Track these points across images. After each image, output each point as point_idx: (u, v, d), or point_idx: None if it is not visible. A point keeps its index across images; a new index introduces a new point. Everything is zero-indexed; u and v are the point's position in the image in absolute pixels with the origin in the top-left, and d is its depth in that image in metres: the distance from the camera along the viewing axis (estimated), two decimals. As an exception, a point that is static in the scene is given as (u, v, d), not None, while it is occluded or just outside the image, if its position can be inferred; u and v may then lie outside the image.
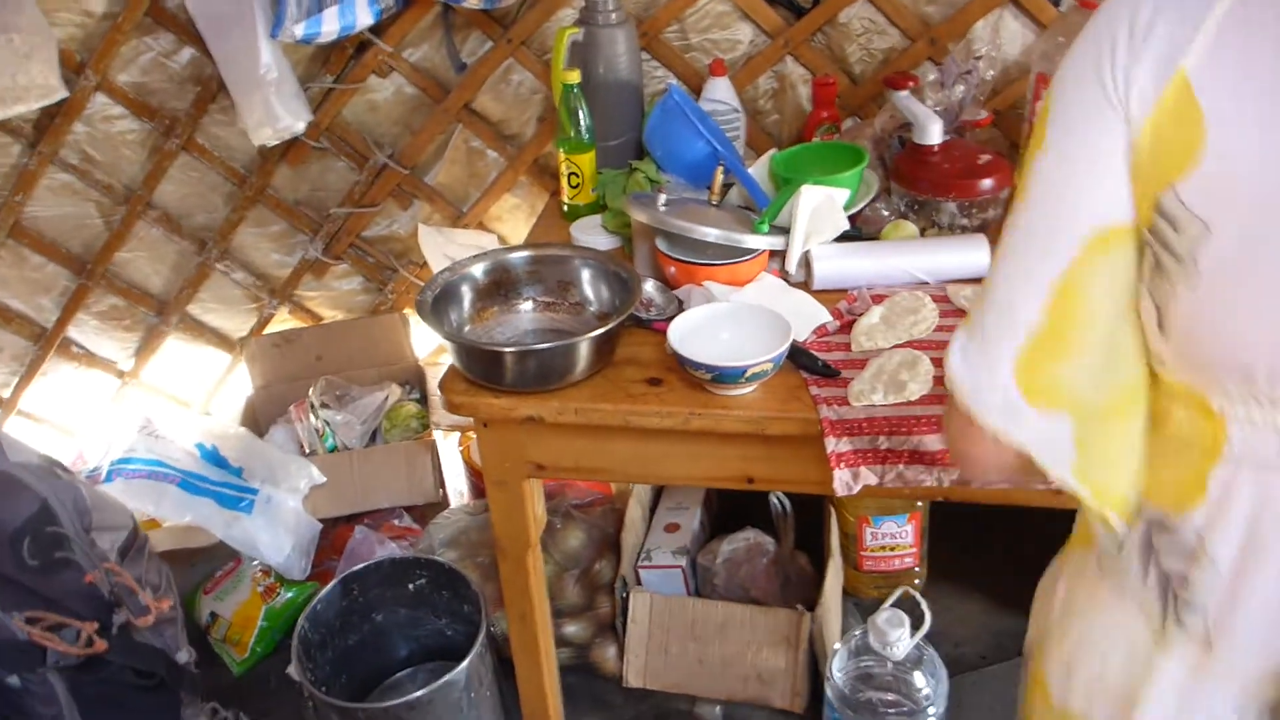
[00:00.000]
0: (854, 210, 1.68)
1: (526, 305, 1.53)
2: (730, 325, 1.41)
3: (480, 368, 1.37)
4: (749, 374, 1.31)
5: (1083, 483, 0.80)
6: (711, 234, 1.51)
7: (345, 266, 2.32)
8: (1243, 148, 0.67)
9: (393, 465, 2.12)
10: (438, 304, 1.43)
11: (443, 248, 2.11)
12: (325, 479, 2.07)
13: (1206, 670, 0.78)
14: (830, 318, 1.49)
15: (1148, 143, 0.70)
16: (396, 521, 2.12)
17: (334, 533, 2.11)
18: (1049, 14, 1.90)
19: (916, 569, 2.08)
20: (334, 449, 2.17)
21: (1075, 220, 0.74)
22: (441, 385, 1.42)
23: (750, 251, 1.53)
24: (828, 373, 1.38)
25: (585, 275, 1.51)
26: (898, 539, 2.00)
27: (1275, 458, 0.71)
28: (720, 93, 1.92)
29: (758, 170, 1.78)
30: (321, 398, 2.22)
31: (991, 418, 0.79)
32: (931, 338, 1.45)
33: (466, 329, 1.46)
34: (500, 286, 1.51)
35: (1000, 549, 2.13)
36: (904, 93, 1.72)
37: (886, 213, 1.71)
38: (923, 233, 1.68)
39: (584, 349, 1.35)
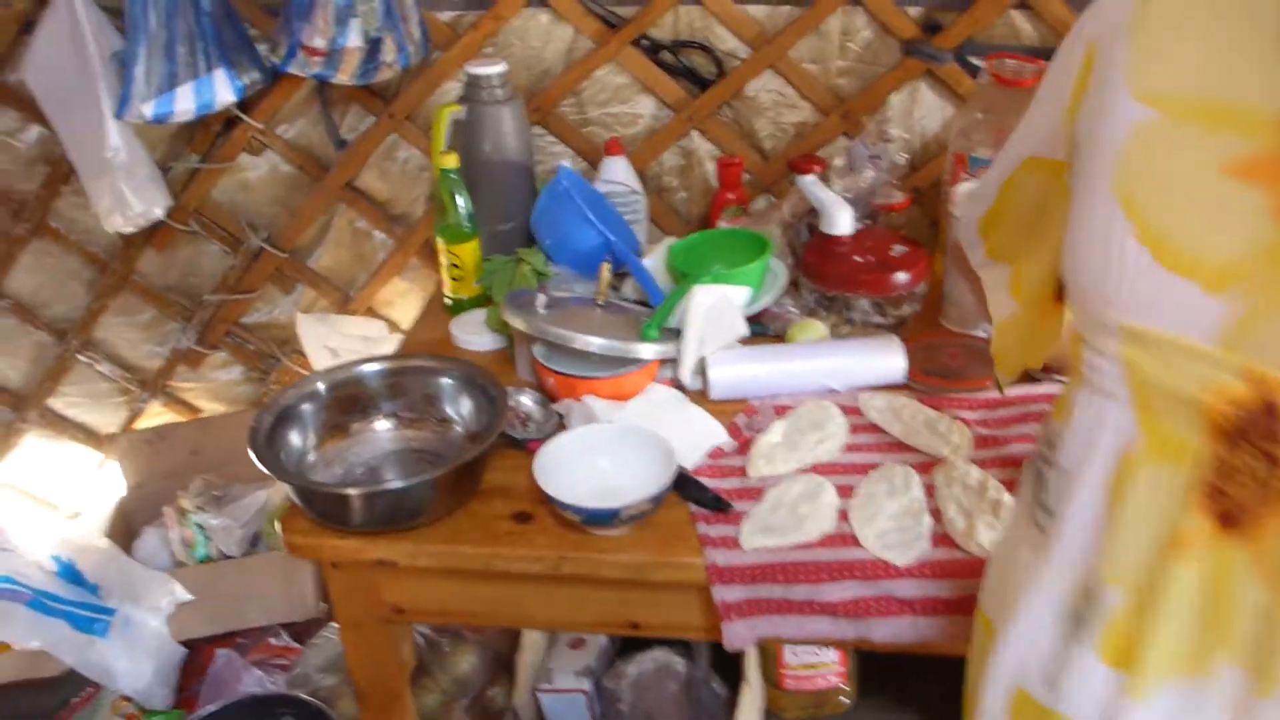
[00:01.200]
0: (759, 307, 1.53)
1: (385, 424, 1.35)
2: (609, 451, 1.25)
3: (321, 508, 1.20)
4: (625, 515, 1.15)
5: (998, 337, 1.03)
6: (593, 343, 1.35)
7: (223, 356, 2.13)
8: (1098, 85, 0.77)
9: (269, 577, 1.92)
10: (278, 430, 1.25)
11: (324, 339, 1.94)
12: (192, 596, 1.87)
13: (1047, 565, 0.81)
14: (727, 436, 1.33)
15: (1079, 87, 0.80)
16: (274, 640, 1.92)
17: (205, 653, 1.91)
18: (966, 86, 1.78)
19: (844, 686, 1.91)
20: (206, 558, 1.97)
21: (1022, 146, 0.92)
22: (282, 523, 1.24)
23: (638, 361, 1.37)
24: (719, 506, 1.22)
25: (449, 389, 1.35)
26: (821, 656, 1.83)
27: (1107, 383, 0.75)
28: (617, 173, 1.77)
29: (656, 259, 1.63)
30: (196, 499, 2.03)
31: (971, 256, 1.06)
32: (838, 459, 1.30)
33: (311, 457, 1.29)
34: (355, 402, 1.34)
35: (936, 661, 1.97)
36: (810, 177, 1.58)
37: (795, 309, 1.56)
38: (834, 331, 1.53)
39: (439, 486, 1.18)
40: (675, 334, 1.42)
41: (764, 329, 1.55)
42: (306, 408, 1.29)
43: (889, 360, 1.42)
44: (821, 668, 1.85)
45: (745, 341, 1.47)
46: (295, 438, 1.27)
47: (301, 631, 1.96)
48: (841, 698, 1.93)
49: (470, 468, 1.21)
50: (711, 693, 1.79)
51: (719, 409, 1.39)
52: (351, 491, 1.17)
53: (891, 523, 1.18)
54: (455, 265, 1.64)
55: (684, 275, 1.52)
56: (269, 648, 1.91)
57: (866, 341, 1.46)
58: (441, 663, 1.75)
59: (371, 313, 2.09)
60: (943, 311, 1.59)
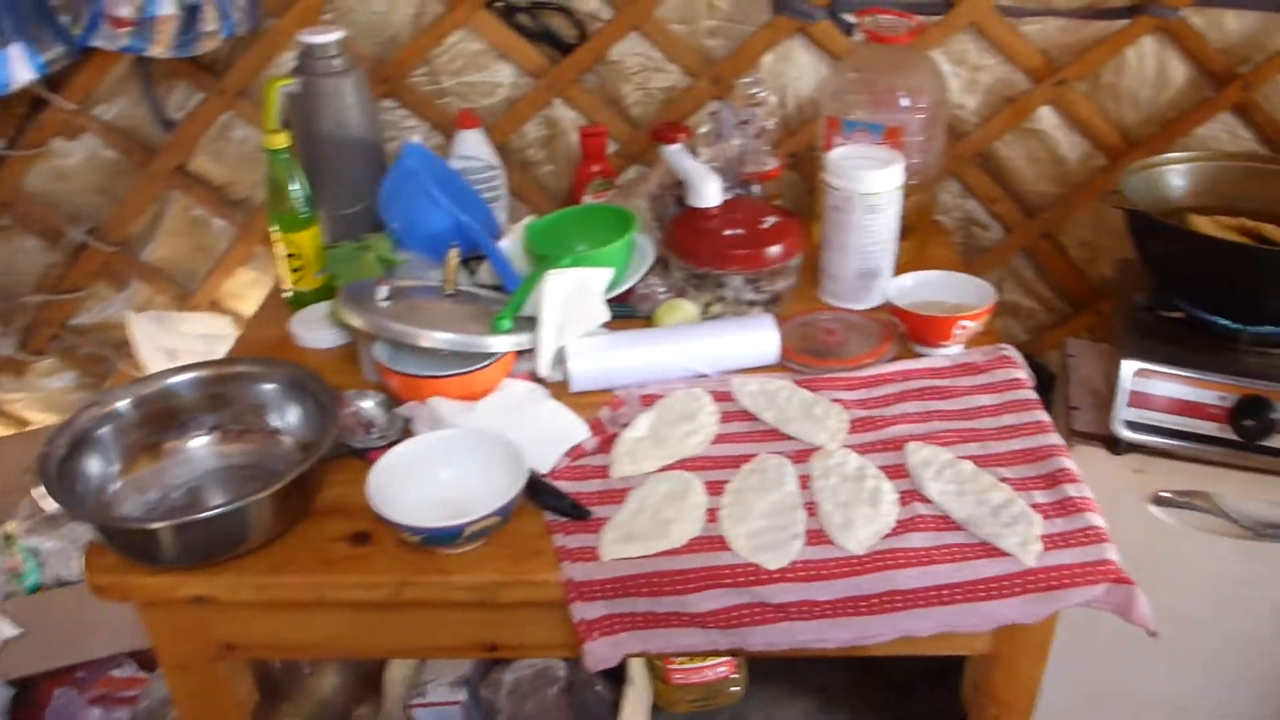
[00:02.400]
0: (623, 288, 1.42)
1: (204, 439, 1.21)
2: (453, 460, 1.13)
3: (124, 545, 1.06)
4: (469, 532, 1.03)
5: None
6: (438, 339, 1.23)
7: (52, 362, 1.94)
8: None
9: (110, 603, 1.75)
10: (74, 457, 1.10)
11: (159, 339, 1.77)
12: (20, 630, 1.70)
13: None
14: (589, 433, 1.22)
15: None
16: (118, 672, 1.76)
17: (41, 692, 1.74)
18: (841, 44, 1.69)
19: (733, 676, 1.84)
20: (38, 587, 1.79)
21: None
22: (85, 561, 1.10)
23: (489, 356, 1.25)
24: (576, 513, 1.11)
25: (274, 396, 1.21)
26: (709, 649, 1.75)
27: None
28: (471, 147, 1.64)
29: (514, 240, 1.50)
30: (26, 522, 1.84)
31: None
32: (708, 452, 1.20)
33: (116, 485, 1.13)
34: (168, 418, 1.19)
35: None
36: (675, 146, 1.47)
37: (664, 289, 1.45)
38: (705, 311, 1.43)
39: (261, 510, 1.05)
40: (532, 323, 1.30)
41: (631, 311, 1.44)
42: (106, 431, 1.13)
43: (762, 340, 1.33)
44: (709, 657, 1.77)
45: (611, 325, 1.37)
46: (95, 465, 1.12)
47: (150, 659, 1.80)
48: (733, 687, 1.86)
49: (298, 485, 1.07)
50: (596, 696, 1.69)
51: (582, 402, 1.28)
52: (155, 526, 1.03)
53: (764, 521, 1.09)
54: (293, 255, 1.49)
55: (542, 257, 1.40)
56: (113, 681, 1.75)
57: (738, 321, 1.37)
58: (301, 686, 1.62)
59: (216, 308, 1.92)
60: (820, 284, 1.50)
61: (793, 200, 1.78)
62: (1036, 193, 1.78)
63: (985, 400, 1.27)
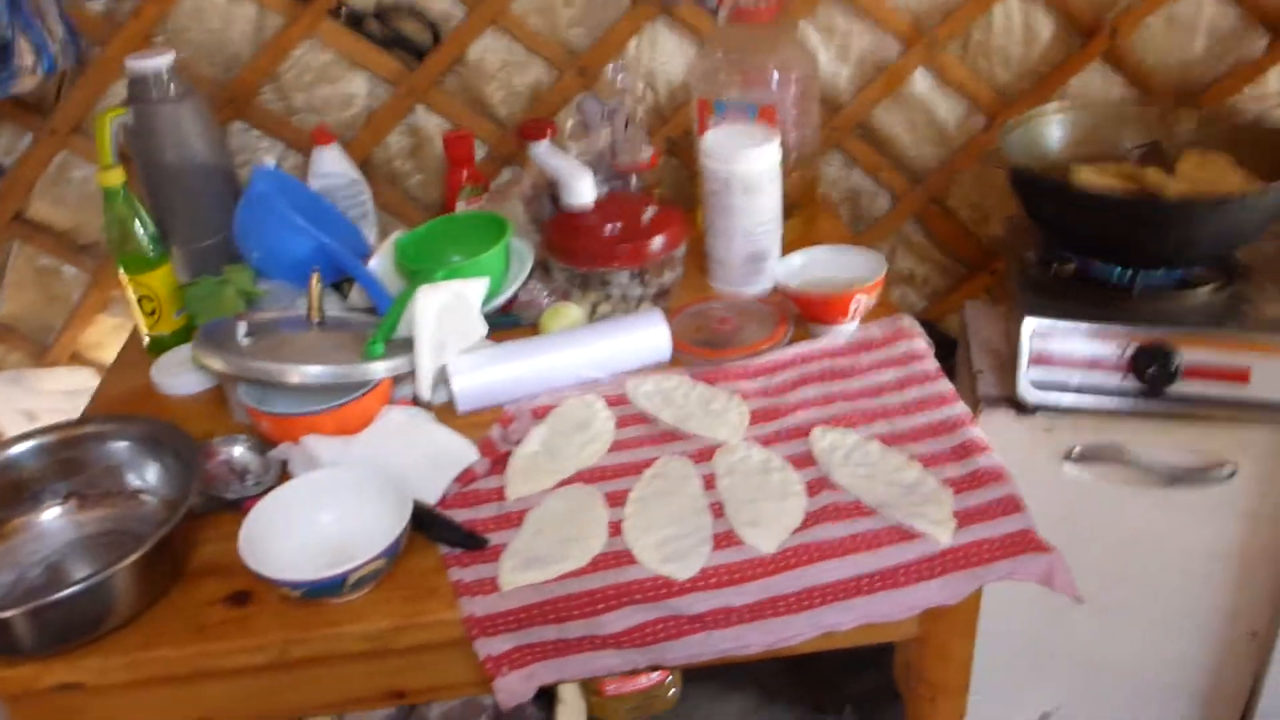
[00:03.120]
0: (504, 298, 1.36)
1: (58, 509, 1.10)
2: (332, 501, 1.05)
3: (-32, 636, 0.95)
4: (354, 580, 0.95)
5: None
6: (306, 373, 1.14)
7: (-99, 438, 1.79)
8: None
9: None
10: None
11: (17, 401, 1.64)
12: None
13: None
14: (479, 455, 1.15)
15: None
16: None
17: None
18: (706, 25, 1.64)
19: (668, 680, 1.78)
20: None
21: None
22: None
23: (363, 385, 1.17)
24: (472, 544, 1.04)
25: (131, 455, 1.11)
26: (638, 658, 1.69)
27: None
28: (329, 164, 1.55)
29: (384, 258, 1.42)
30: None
31: None
32: (607, 462, 1.14)
33: (-43, 571, 1.03)
34: (14, 491, 1.09)
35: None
36: (542, 144, 1.41)
37: (547, 294, 1.39)
38: (594, 312, 1.37)
39: (123, 581, 0.95)
40: (408, 345, 1.22)
41: (516, 320, 1.37)
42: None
43: (653, 337, 1.27)
44: (642, 670, 1.71)
45: (496, 337, 1.30)
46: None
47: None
48: (669, 691, 1.81)
49: (164, 548, 0.98)
50: (527, 717, 1.62)
51: (470, 422, 1.20)
52: (6, 615, 0.92)
53: (670, 529, 1.03)
54: (146, 298, 1.39)
55: (414, 273, 1.32)
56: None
57: (626, 320, 1.30)
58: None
59: (78, 360, 1.79)
60: (708, 271, 1.45)
61: (675, 188, 1.73)
62: (919, 158, 1.76)
63: (888, 375, 1.23)
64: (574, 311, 1.33)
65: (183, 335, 1.41)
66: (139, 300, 1.39)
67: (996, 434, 1.30)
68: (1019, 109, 1.64)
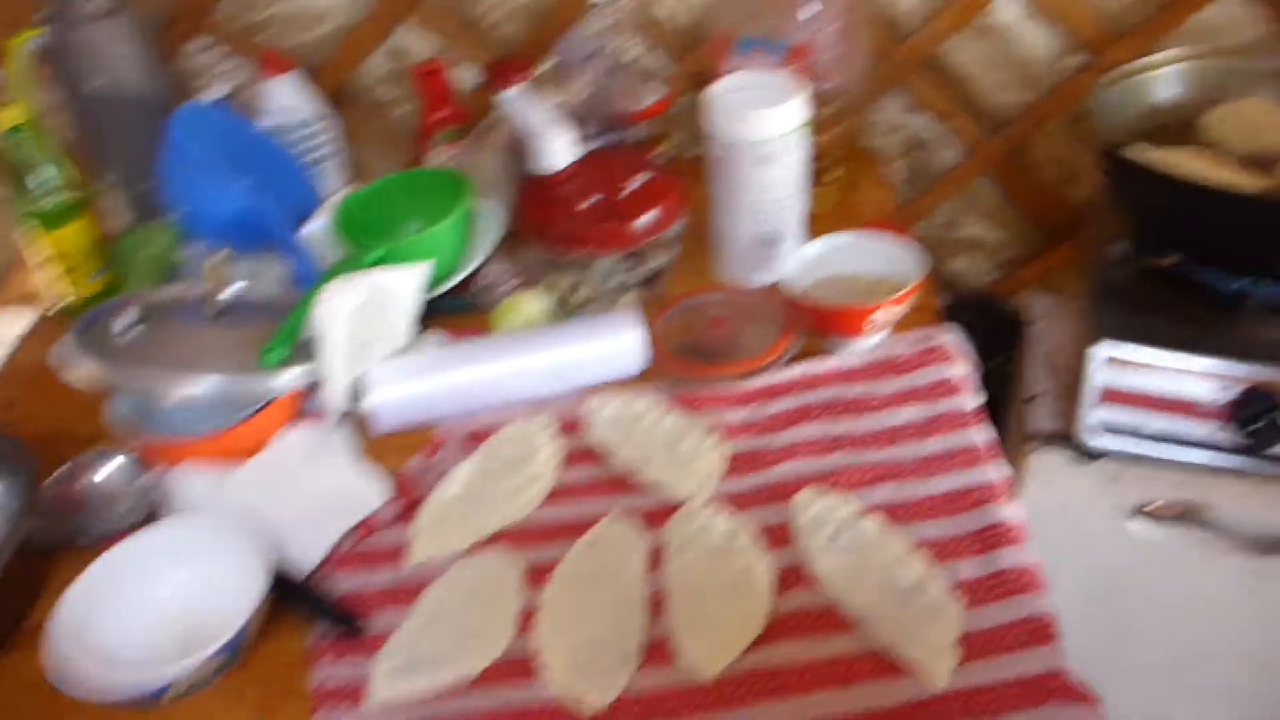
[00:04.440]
0: (461, 276, 1.13)
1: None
2: (182, 561, 0.86)
3: None
4: (178, 688, 0.77)
5: None
6: (185, 384, 0.94)
7: None
8: None
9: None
10: None
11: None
12: None
13: None
14: (388, 494, 0.95)
15: None
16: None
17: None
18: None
19: None
20: None
21: None
22: None
23: (261, 398, 0.97)
24: (345, 627, 0.84)
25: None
26: None
27: None
28: (284, 97, 1.32)
29: (323, 223, 1.20)
30: None
31: None
32: (538, 518, 0.92)
33: None
34: None
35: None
36: (511, 92, 1.15)
37: (513, 276, 1.16)
38: (568, 300, 1.13)
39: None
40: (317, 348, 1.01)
41: (466, 304, 1.15)
42: None
43: (621, 347, 1.04)
44: None
45: (444, 323, 1.08)
46: None
47: None
48: None
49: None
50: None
51: (393, 445, 1.00)
52: None
53: (594, 627, 0.81)
54: (61, 256, 1.20)
55: (361, 245, 1.10)
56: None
57: (592, 323, 1.07)
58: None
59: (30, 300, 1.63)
60: (713, 253, 1.19)
61: (696, 137, 1.45)
62: (999, 104, 1.44)
63: (908, 414, 0.97)
64: (532, 306, 1.10)
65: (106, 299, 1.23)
66: (49, 261, 1.20)
67: (1048, 478, 1.05)
68: (1129, 47, 1.31)
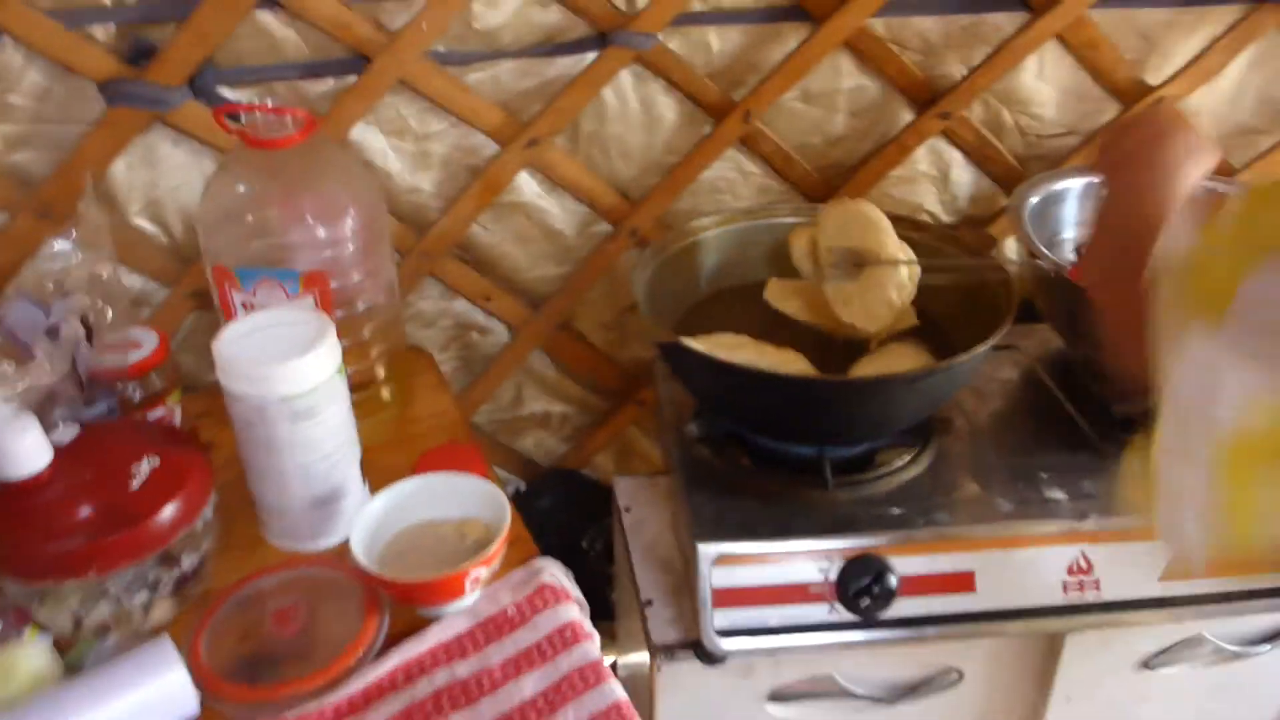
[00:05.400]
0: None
1: None
2: None
3: None
4: None
5: None
6: None
7: None
8: None
9: None
10: None
11: None
12: None
13: None
14: None
15: None
16: None
17: None
18: (222, 137, 1.16)
19: None
20: None
21: None
22: None
23: None
24: None
25: None
26: None
27: None
28: None
29: None
30: None
31: None
32: None
33: None
34: None
35: None
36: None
37: (-9, 618, 0.87)
38: (73, 645, 0.87)
39: None
40: None
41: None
42: None
43: (160, 691, 0.80)
44: None
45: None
46: None
47: None
48: None
49: None
50: None
51: None
52: None
53: None
54: None
55: None
56: None
57: (116, 667, 0.82)
58: None
59: None
60: (260, 522, 0.99)
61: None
62: (538, 279, 1.39)
63: (532, 684, 0.85)
64: (30, 661, 0.82)
65: None
66: None
67: (679, 684, 0.98)
68: (648, 210, 1.33)
